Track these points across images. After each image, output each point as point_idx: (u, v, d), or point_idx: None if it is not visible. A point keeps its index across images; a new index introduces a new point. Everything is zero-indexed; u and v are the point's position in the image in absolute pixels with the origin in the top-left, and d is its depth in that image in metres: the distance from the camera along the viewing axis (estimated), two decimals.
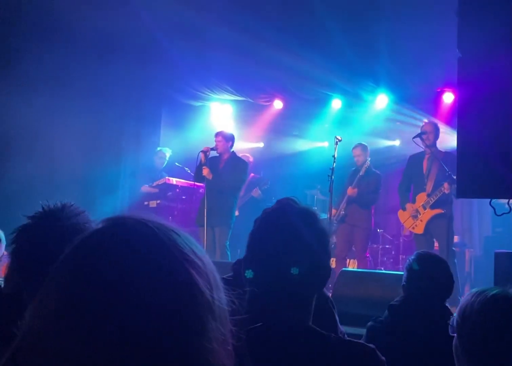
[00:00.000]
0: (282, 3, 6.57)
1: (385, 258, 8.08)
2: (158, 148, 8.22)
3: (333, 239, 6.74)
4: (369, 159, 6.88)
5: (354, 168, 7.02)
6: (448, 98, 7.73)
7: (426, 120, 6.59)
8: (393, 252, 8.11)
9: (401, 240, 8.05)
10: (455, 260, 5.98)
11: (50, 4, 6.44)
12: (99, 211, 6.57)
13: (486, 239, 8.45)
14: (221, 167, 6.70)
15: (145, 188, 7.79)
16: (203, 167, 6.59)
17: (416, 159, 6.45)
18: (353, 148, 6.98)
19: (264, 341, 1.31)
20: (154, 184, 7.74)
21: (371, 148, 7.23)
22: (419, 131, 6.41)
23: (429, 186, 6.20)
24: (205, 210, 6.48)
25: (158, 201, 7.64)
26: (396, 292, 3.00)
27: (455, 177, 4.71)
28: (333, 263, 6.60)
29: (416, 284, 2.31)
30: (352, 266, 7.34)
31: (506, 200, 3.11)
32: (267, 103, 8.91)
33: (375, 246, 8.02)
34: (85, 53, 7.05)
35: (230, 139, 6.81)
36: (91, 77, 7.16)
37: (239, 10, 6.47)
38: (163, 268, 0.67)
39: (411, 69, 7.04)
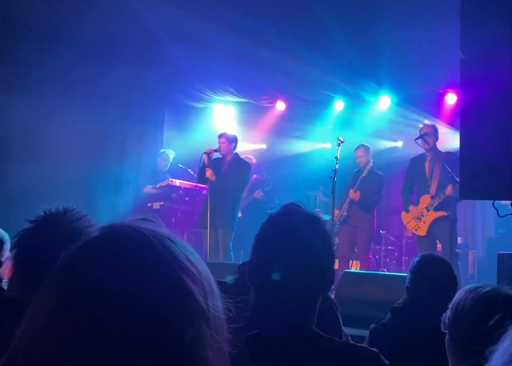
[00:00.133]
0: (284, 5, 6.57)
1: (388, 260, 8.07)
2: (162, 150, 8.22)
3: (336, 240, 6.73)
4: (372, 160, 6.87)
5: (356, 169, 7.01)
6: (451, 99, 7.72)
7: (426, 122, 6.57)
8: (395, 254, 8.11)
9: (403, 242, 8.05)
10: (458, 262, 5.97)
11: (53, 7, 6.45)
12: (101, 213, 6.58)
13: (489, 240, 8.44)
14: (224, 169, 6.70)
15: (148, 189, 7.80)
16: (206, 168, 6.59)
17: (417, 161, 6.44)
18: (356, 149, 6.97)
19: (268, 345, 1.31)
20: (158, 185, 7.75)
21: (374, 149, 7.22)
22: (419, 132, 6.40)
23: (432, 188, 6.18)
24: (208, 211, 6.49)
25: (162, 203, 7.64)
26: (399, 293, 2.99)
27: (457, 178, 4.71)
28: (335, 264, 6.59)
29: (420, 286, 2.31)
30: (355, 267, 7.34)
31: (509, 202, 3.11)
32: (270, 105, 8.91)
33: (377, 247, 8.01)
34: (87, 55, 7.06)
35: (233, 140, 6.81)
36: (93, 79, 7.18)
37: (241, 13, 6.47)
38: (156, 275, 0.67)
39: (413, 70, 7.04)
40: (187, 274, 0.69)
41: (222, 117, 9.28)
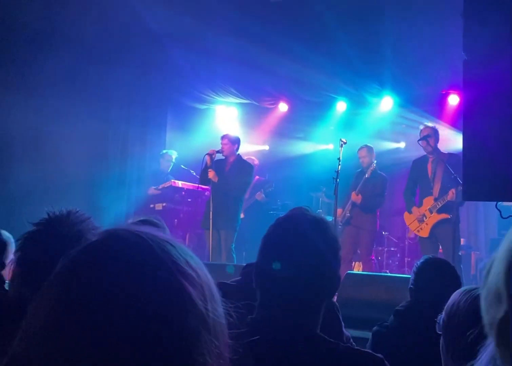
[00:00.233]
0: (287, 8, 6.58)
1: (390, 261, 8.06)
2: (164, 151, 8.23)
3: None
4: (375, 161, 6.85)
5: (359, 170, 6.99)
6: (453, 100, 7.72)
7: (426, 124, 6.55)
8: (398, 255, 8.09)
9: (406, 243, 8.03)
10: (461, 265, 5.95)
11: (55, 8, 6.46)
12: (104, 214, 6.59)
13: (492, 241, 8.41)
14: (227, 170, 6.70)
15: (151, 191, 7.81)
16: (209, 170, 6.59)
17: (420, 163, 6.42)
18: (359, 149, 6.96)
19: (272, 348, 1.31)
20: (160, 186, 7.76)
21: (376, 150, 7.21)
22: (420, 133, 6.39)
23: (435, 190, 6.16)
24: (211, 213, 6.49)
25: (164, 204, 7.65)
26: (401, 295, 2.98)
27: (460, 179, 4.70)
28: None
29: (423, 288, 2.30)
30: (357, 268, 7.33)
31: None
32: (272, 106, 8.92)
33: (380, 248, 8.00)
34: (90, 56, 7.07)
35: (236, 142, 6.82)
36: (96, 80, 7.19)
37: (243, 15, 6.48)
38: (155, 279, 0.67)
39: (415, 72, 7.04)
40: (186, 278, 0.69)
41: (224, 118, 9.28)
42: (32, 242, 1.52)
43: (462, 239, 7.00)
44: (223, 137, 6.83)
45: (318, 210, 8.37)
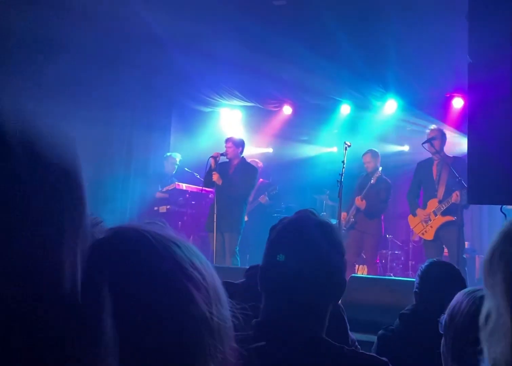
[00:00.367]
0: (291, 11, 6.58)
1: (394, 264, 8.04)
2: (168, 153, 8.25)
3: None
4: (381, 168, 6.85)
5: (365, 174, 6.99)
6: (458, 103, 7.71)
7: (433, 126, 6.55)
8: (402, 258, 8.07)
9: (410, 246, 8.01)
10: (466, 268, 5.94)
11: (60, 13, 6.48)
12: (108, 217, 6.58)
13: None
14: (231, 173, 6.71)
15: (159, 195, 7.84)
16: (213, 172, 6.60)
17: (425, 165, 6.42)
18: (363, 154, 6.96)
19: (277, 351, 1.31)
20: (164, 189, 7.77)
21: (380, 153, 7.21)
22: (426, 136, 6.39)
23: (440, 192, 6.16)
24: (215, 215, 6.49)
25: (168, 207, 7.66)
26: (406, 298, 2.97)
27: (465, 182, 4.69)
28: None
29: (428, 292, 2.29)
30: (361, 271, 7.31)
31: None
32: (276, 109, 8.93)
33: (384, 251, 7.98)
34: (95, 60, 7.09)
35: (240, 144, 6.82)
36: (101, 84, 7.20)
37: (248, 18, 6.49)
38: (155, 281, 0.66)
39: (419, 75, 7.03)
40: (190, 280, 0.67)
41: (228, 121, 9.30)
42: None
43: (466, 242, 6.98)
44: (227, 140, 6.83)
45: (322, 213, 8.36)
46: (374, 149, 7.10)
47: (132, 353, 0.62)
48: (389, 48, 6.65)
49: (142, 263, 0.67)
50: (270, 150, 9.90)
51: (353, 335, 2.24)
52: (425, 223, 6.22)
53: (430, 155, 6.37)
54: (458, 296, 1.57)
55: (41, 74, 6.71)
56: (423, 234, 6.28)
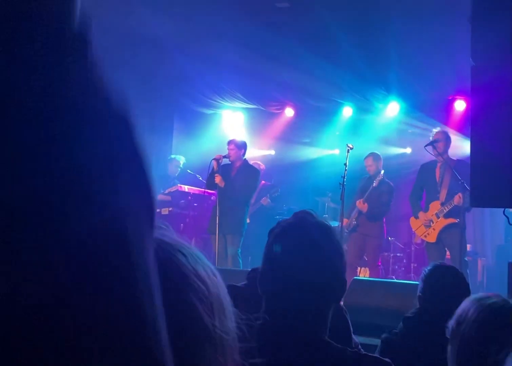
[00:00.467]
0: (293, 13, 6.59)
1: (396, 266, 8.03)
2: (172, 156, 8.26)
3: (345, 247, 6.71)
4: (383, 171, 6.84)
5: (367, 176, 6.97)
6: (460, 105, 7.71)
7: (437, 129, 6.54)
8: (404, 261, 8.06)
9: (412, 249, 8.00)
10: (468, 270, 5.93)
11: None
12: None
13: (499, 248, 8.39)
14: (233, 175, 6.71)
15: (160, 197, 7.83)
16: (216, 174, 6.60)
17: (428, 167, 6.41)
18: (365, 157, 6.95)
19: (279, 354, 1.31)
20: (167, 191, 7.78)
21: (382, 155, 7.20)
22: (430, 139, 6.38)
23: (442, 195, 6.15)
24: (217, 217, 6.49)
25: (170, 209, 7.66)
26: (409, 302, 2.97)
27: (468, 185, 4.69)
28: None
29: (432, 296, 2.29)
30: (363, 274, 7.31)
31: None
32: (278, 111, 8.94)
33: (386, 254, 7.97)
34: (96, 62, 7.09)
35: (242, 147, 6.83)
36: None
37: (250, 20, 6.50)
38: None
39: (422, 77, 7.04)
40: (194, 291, 0.65)
41: (231, 123, 9.31)
42: None
43: (468, 245, 6.98)
44: (230, 142, 6.84)
45: (324, 215, 8.36)
46: (376, 152, 7.09)
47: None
48: (391, 50, 6.66)
49: None
50: (272, 152, 9.91)
51: (357, 339, 2.24)
52: (427, 226, 6.22)
53: (432, 157, 6.36)
54: (465, 303, 1.57)
55: None
56: (425, 236, 6.27)
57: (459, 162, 6.17)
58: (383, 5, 6.19)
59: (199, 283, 0.66)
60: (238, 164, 6.79)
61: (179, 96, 8.65)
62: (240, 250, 6.61)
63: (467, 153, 6.15)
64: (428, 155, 6.37)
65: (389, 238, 8.06)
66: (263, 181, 8.15)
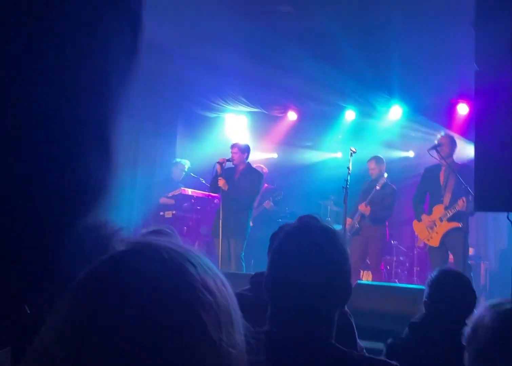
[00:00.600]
0: (296, 18, 6.61)
1: (399, 270, 8.02)
2: (177, 160, 8.27)
3: (348, 250, 6.70)
4: (386, 174, 6.84)
5: (370, 180, 6.98)
6: (463, 109, 7.71)
7: (442, 133, 6.54)
8: (407, 264, 8.05)
9: (415, 252, 7.99)
10: (472, 274, 5.93)
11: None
12: (115, 222, 6.58)
13: (502, 252, 8.37)
14: (236, 178, 6.73)
15: (163, 200, 7.85)
16: (219, 178, 6.62)
17: (432, 171, 6.40)
18: (368, 161, 6.96)
19: (286, 358, 1.31)
20: (170, 194, 7.78)
21: (385, 159, 7.21)
22: (433, 142, 6.38)
23: (446, 199, 6.14)
24: (221, 221, 6.50)
25: (174, 212, 7.67)
26: (412, 306, 2.97)
27: (471, 190, 4.69)
28: None
29: (439, 301, 2.29)
30: (365, 277, 7.31)
31: None
32: (281, 115, 8.96)
33: (388, 257, 7.97)
34: None
35: (245, 150, 6.84)
36: None
37: (253, 24, 6.51)
38: (165, 303, 0.63)
39: (424, 80, 7.04)
40: (201, 303, 0.65)
41: (234, 127, 9.32)
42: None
43: (471, 249, 6.97)
44: (233, 146, 6.86)
45: (327, 219, 8.36)
46: (378, 155, 7.09)
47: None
48: (393, 54, 6.66)
49: (152, 286, 0.64)
50: (275, 155, 9.91)
51: (362, 343, 2.24)
52: (430, 229, 6.21)
53: (435, 161, 6.36)
54: (481, 309, 1.57)
55: None
56: (428, 240, 6.26)
57: (464, 166, 6.14)
58: (385, 9, 6.20)
59: (207, 295, 0.66)
60: (241, 167, 6.80)
61: (182, 100, 8.66)
62: (243, 253, 6.62)
63: (469, 156, 6.15)
64: (432, 159, 6.37)
65: (392, 242, 8.05)
66: (266, 185, 8.16)
